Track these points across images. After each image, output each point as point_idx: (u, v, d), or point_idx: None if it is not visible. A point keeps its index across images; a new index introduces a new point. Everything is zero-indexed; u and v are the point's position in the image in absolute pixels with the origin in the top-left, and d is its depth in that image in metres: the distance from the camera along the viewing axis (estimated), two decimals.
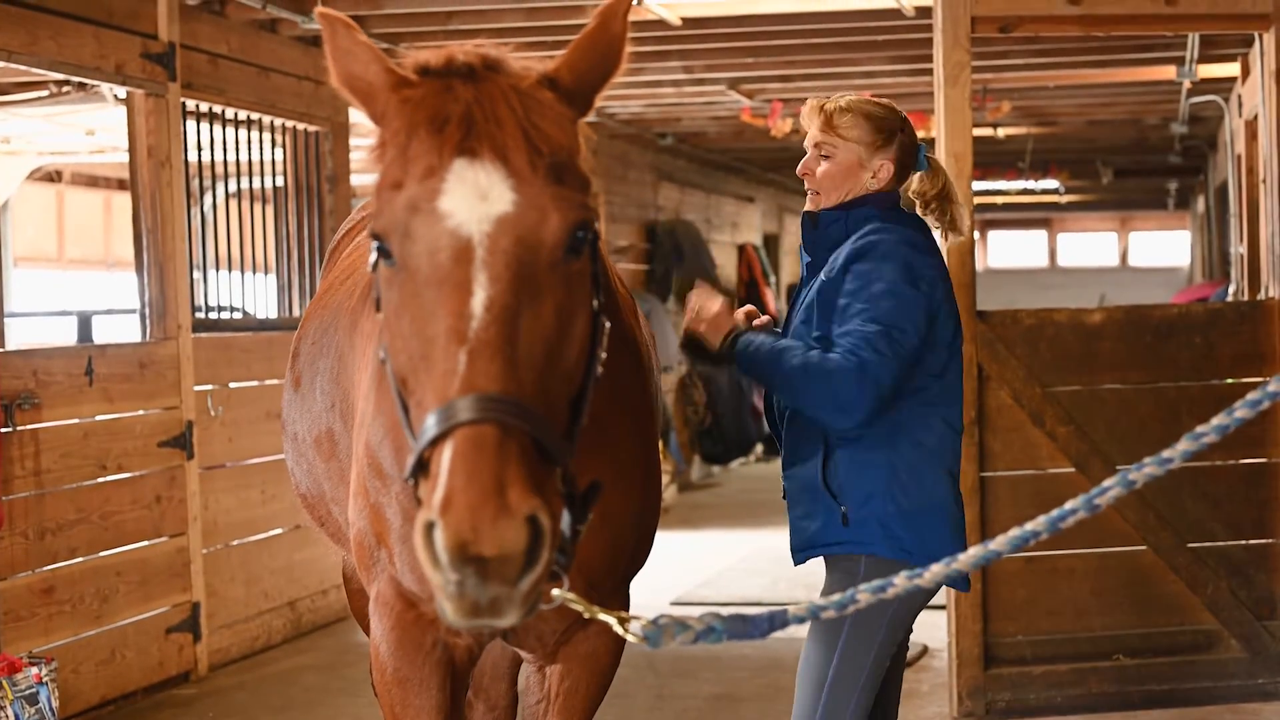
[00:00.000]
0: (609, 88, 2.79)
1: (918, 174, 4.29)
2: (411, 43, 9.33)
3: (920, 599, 4.07)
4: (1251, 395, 2.62)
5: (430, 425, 2.49)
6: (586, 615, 2.89)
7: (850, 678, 4.07)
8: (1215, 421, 2.63)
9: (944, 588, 6.14)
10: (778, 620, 2.85)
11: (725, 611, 2.90)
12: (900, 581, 2.81)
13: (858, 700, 4.08)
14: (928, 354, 4.03)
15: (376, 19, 8.93)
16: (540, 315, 2.59)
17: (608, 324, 2.93)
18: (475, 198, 2.57)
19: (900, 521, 4.01)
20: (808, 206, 4.25)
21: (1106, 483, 2.67)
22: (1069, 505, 2.68)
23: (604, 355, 2.88)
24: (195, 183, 8.34)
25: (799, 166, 4.24)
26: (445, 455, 2.43)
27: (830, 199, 4.18)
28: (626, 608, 3.63)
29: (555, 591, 2.80)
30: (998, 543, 2.73)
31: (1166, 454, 2.63)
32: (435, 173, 2.59)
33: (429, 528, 2.39)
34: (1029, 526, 2.69)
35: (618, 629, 2.87)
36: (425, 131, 2.63)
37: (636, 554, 3.63)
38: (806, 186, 4.24)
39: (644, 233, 15.78)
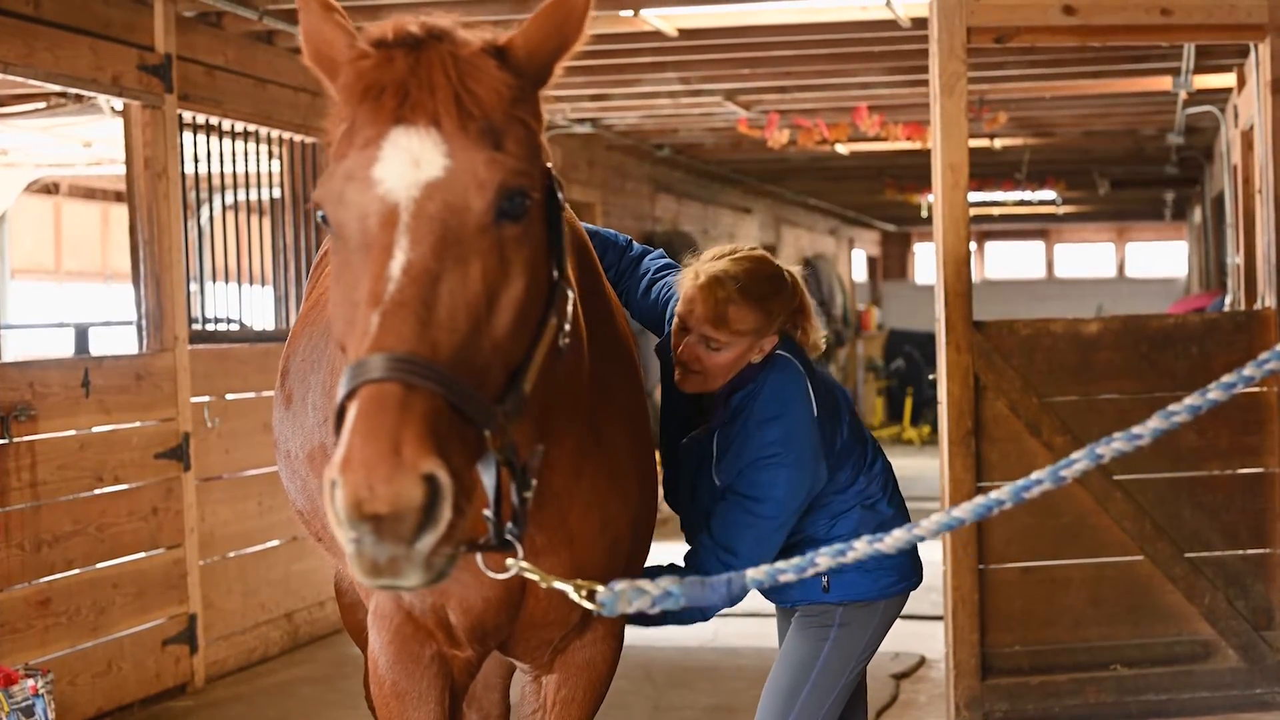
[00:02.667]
0: (568, 58, 2.78)
1: None
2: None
3: (894, 615, 4.23)
4: (1226, 378, 2.65)
5: (342, 384, 2.50)
6: (543, 585, 2.90)
7: (824, 692, 4.12)
8: (1188, 401, 2.66)
9: (941, 599, 6.09)
10: (735, 584, 2.83)
11: (684, 577, 2.87)
12: (860, 546, 2.80)
13: (827, 714, 4.12)
14: (833, 472, 4.05)
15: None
16: (466, 279, 2.57)
17: (570, 294, 2.90)
18: (407, 164, 2.58)
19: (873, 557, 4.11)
20: (686, 387, 4.00)
21: (1074, 455, 2.67)
22: (1035, 475, 2.68)
23: (567, 327, 2.86)
24: (192, 194, 8.34)
25: (681, 350, 3.94)
26: (350, 413, 2.43)
27: (716, 384, 3.99)
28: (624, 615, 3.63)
29: (510, 561, 2.82)
30: (962, 509, 2.73)
31: (1136, 430, 2.64)
32: (373, 142, 2.61)
33: (333, 485, 2.38)
34: (993, 495, 2.69)
35: (574, 596, 2.86)
36: (367, 102, 2.65)
37: (634, 559, 3.63)
38: (685, 366, 3.98)
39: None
